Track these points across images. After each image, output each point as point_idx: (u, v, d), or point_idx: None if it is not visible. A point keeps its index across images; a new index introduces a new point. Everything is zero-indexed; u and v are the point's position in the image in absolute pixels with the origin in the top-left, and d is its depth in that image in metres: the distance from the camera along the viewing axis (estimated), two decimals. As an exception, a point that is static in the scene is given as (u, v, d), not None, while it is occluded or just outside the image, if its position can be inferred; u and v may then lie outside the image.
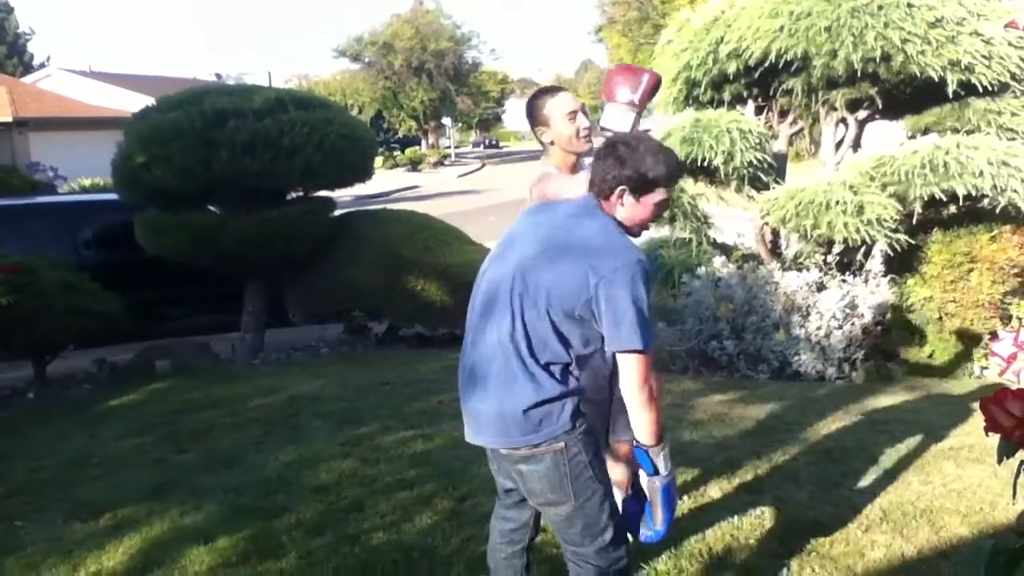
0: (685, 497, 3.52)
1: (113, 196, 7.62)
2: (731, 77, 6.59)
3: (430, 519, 3.45)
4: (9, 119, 22.98)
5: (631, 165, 2.25)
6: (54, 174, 20.80)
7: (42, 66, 41.64)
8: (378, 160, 7.47)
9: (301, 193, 7.55)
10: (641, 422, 2.23)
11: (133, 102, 21.14)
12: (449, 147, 48.61)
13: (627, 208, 2.29)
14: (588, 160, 2.78)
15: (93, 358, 6.84)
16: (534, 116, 2.95)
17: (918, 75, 5.85)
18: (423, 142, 47.21)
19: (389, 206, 9.82)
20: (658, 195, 2.29)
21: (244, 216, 6.87)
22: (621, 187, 2.26)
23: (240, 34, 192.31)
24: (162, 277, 7.38)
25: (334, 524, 3.47)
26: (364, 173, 7.73)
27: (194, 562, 3.23)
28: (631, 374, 2.20)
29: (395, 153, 40.68)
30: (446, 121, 47.79)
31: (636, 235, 2.36)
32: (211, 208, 7.29)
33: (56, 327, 6.24)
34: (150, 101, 7.79)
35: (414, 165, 38.79)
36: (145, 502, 3.89)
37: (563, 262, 2.20)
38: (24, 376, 6.63)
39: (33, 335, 6.21)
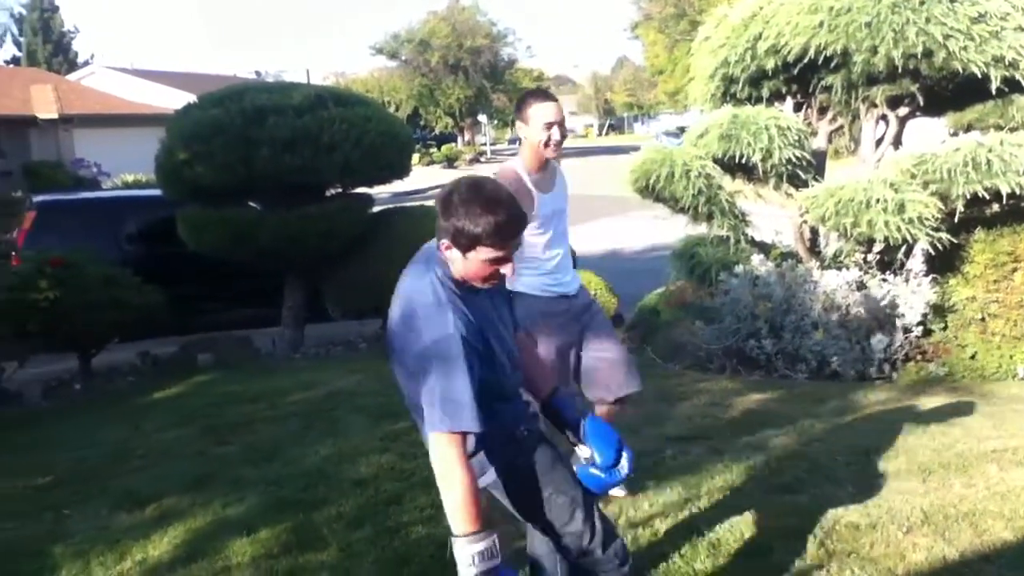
0: (724, 495, 3.51)
1: (156, 192, 7.75)
2: (769, 73, 6.53)
3: (467, 514, 3.47)
4: (55, 116, 23.41)
5: (454, 217, 2.01)
6: (98, 170, 21.20)
7: (86, 64, 42.48)
8: (414, 157, 7.57)
9: (339, 190, 7.62)
10: (446, 506, 1.99)
11: (174, 99, 21.48)
12: (485, 144, 48.67)
13: (456, 262, 2.07)
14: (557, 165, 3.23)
15: (137, 351, 6.97)
16: (520, 110, 3.19)
17: (960, 71, 5.75)
18: (459, 139, 47.35)
19: (425, 203, 9.86)
20: (486, 252, 2.02)
21: (283, 212, 6.95)
22: (444, 240, 2.06)
23: (278, 32, 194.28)
24: (203, 272, 7.50)
25: (373, 517, 3.52)
26: (401, 170, 7.79)
27: (237, 553, 3.29)
28: (432, 455, 2.02)
29: (431, 150, 40.83)
30: (482, 118, 47.86)
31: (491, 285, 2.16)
32: (251, 204, 7.39)
33: (99, 321, 6.38)
34: (191, 98, 7.91)
35: (450, 162, 38.89)
36: (188, 493, 3.97)
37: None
38: (70, 368, 6.78)
39: (77, 328, 6.35)
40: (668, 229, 8.50)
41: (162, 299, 6.80)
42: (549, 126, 3.11)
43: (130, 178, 20.10)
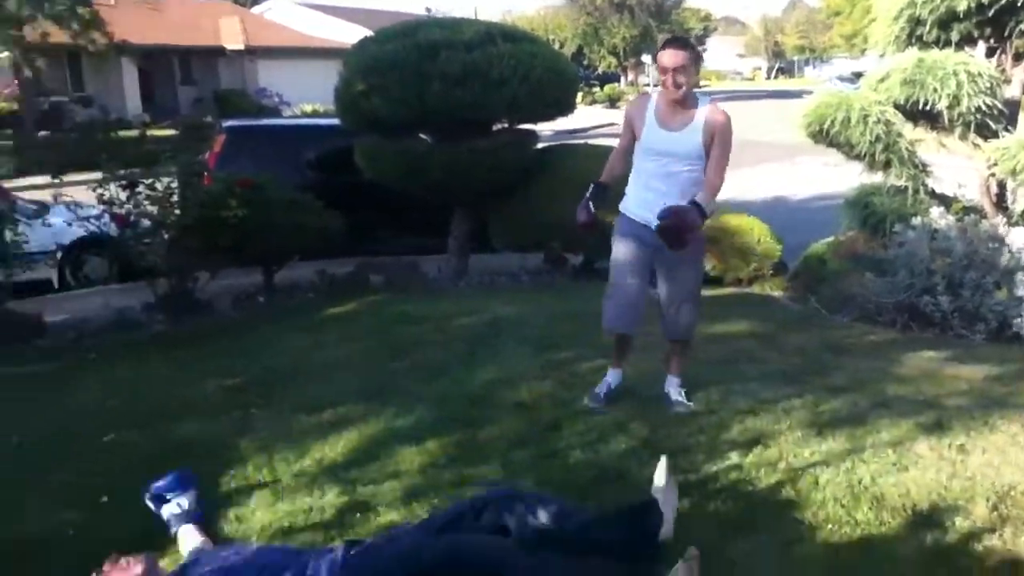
0: (890, 450, 3.42)
1: (335, 122, 8.10)
2: (961, 15, 6.10)
3: (625, 444, 3.56)
4: (241, 47, 24.71)
5: None
6: (279, 99, 22.31)
7: (267, -3, 44.23)
8: (577, 96, 7.59)
9: (505, 125, 7.73)
10: None
11: (349, 33, 22.16)
12: (648, 85, 47.63)
13: None
14: (705, 100, 3.67)
15: (315, 269, 7.41)
16: (654, 55, 3.59)
17: None
18: (622, 79, 46.55)
19: (589, 142, 9.86)
20: None
21: (453, 146, 7.13)
22: None
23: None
24: (377, 200, 7.83)
25: (533, 439, 3.65)
26: (566, 106, 7.80)
27: (406, 460, 3.50)
28: None
29: (594, 90, 40.39)
30: (646, 59, 46.77)
31: None
32: (423, 137, 7.62)
33: (281, 240, 6.83)
34: (365, 33, 8.17)
35: (612, 102, 38.39)
36: (362, 403, 4.24)
37: None
38: (255, 282, 7.29)
39: (262, 246, 6.82)
40: (838, 177, 8.16)
41: (340, 223, 7.19)
42: (664, 71, 3.59)
43: (308, 108, 21.04)
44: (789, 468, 3.26)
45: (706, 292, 6.88)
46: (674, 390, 4.03)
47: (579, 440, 3.62)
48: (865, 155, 6.36)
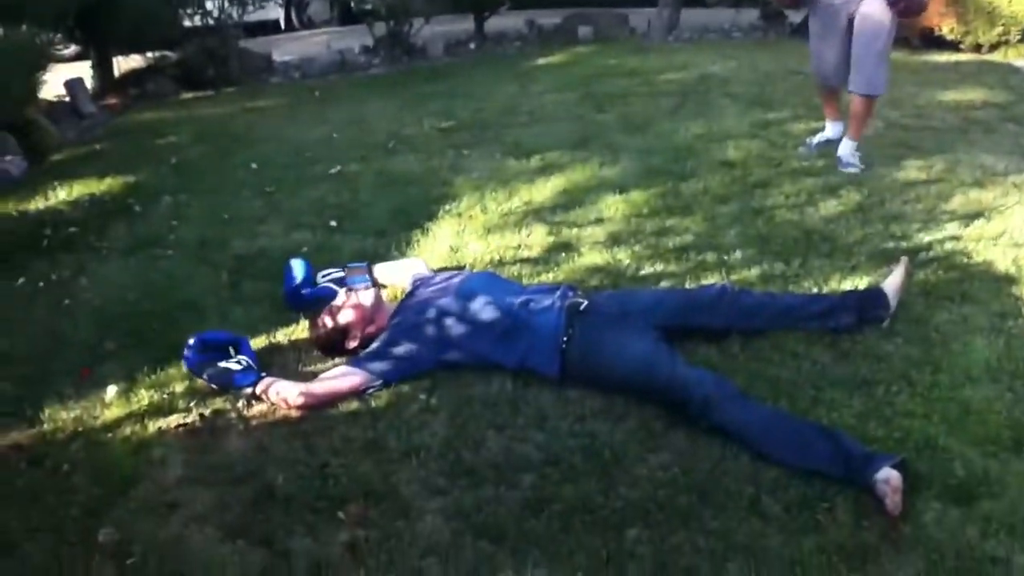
0: None
1: None
2: None
3: (834, 208, 3.46)
4: None
5: None
6: None
7: None
8: None
9: None
10: None
11: None
12: None
13: None
14: None
15: (524, 19, 7.33)
16: None
17: None
18: None
19: None
20: None
21: None
22: None
23: None
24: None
25: (739, 196, 3.62)
26: None
27: (610, 207, 3.59)
28: None
29: None
30: None
31: None
32: None
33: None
34: None
35: None
36: (569, 150, 4.33)
37: None
38: (467, 29, 7.35)
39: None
40: None
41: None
42: None
43: None
44: (1012, 243, 3.08)
45: (939, 58, 6.29)
46: (846, 152, 3.92)
47: (785, 201, 3.55)
48: None
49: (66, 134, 5.28)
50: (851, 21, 3.76)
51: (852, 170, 3.85)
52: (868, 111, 3.92)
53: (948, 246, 3.07)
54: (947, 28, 6.44)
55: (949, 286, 2.76)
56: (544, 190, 3.83)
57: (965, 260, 2.96)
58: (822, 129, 4.19)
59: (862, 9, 3.70)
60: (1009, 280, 2.80)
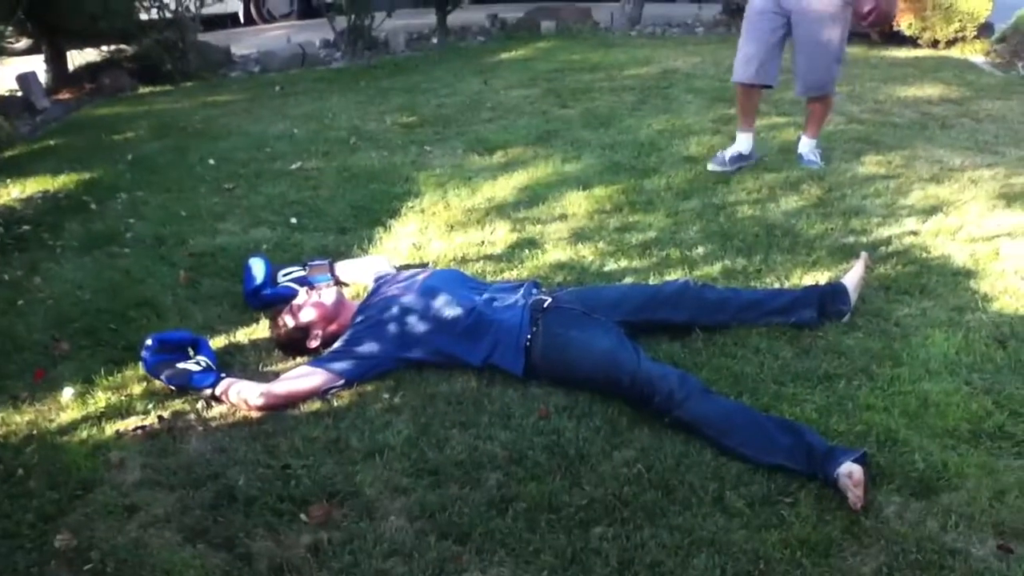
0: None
1: None
2: None
3: (795, 203, 3.51)
4: None
5: None
6: None
7: None
8: None
9: None
10: None
11: None
12: None
13: None
14: None
15: (487, 13, 7.31)
16: None
17: None
18: None
19: None
20: None
21: None
22: None
23: None
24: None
25: (701, 192, 3.65)
26: None
27: (573, 204, 3.59)
28: None
29: None
30: None
31: None
32: None
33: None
34: None
35: None
36: (531, 146, 4.32)
37: None
38: (429, 23, 7.31)
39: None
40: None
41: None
42: None
43: None
44: (969, 238, 3.14)
45: (898, 53, 6.39)
46: (807, 149, 3.96)
47: (748, 197, 3.58)
48: None
49: (19, 129, 5.16)
50: (789, 20, 3.70)
51: (813, 166, 3.89)
52: (827, 109, 3.96)
53: (907, 241, 3.12)
54: (906, 24, 6.54)
55: (908, 280, 2.80)
56: (507, 186, 3.82)
57: (924, 255, 3.01)
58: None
59: (809, 8, 3.63)
60: (967, 274, 2.85)
